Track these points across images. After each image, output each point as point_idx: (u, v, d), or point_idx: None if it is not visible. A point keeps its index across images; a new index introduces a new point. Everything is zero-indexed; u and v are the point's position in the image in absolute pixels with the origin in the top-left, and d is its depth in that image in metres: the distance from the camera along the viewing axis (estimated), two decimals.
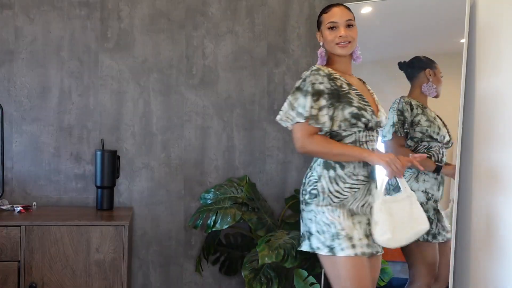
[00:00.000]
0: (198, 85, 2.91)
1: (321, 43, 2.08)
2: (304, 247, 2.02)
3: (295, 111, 1.96)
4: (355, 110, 1.93)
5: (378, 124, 2.01)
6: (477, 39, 2.47)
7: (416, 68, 2.54)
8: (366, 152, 1.93)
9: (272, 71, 2.96)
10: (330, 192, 1.95)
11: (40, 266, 2.36)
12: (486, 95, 2.40)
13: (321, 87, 1.93)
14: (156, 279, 2.90)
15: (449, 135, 2.48)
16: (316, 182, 1.98)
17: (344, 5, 2.06)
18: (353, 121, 1.93)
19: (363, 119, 1.94)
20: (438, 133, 2.46)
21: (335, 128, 1.96)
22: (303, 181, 2.05)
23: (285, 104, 2.00)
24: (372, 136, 2.01)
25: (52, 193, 2.80)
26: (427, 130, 2.46)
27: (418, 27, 2.65)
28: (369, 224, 1.97)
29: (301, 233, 2.07)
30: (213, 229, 2.58)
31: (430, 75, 2.50)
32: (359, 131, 1.97)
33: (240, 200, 2.70)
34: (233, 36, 2.93)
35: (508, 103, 2.23)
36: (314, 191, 1.98)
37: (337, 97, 1.95)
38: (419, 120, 2.48)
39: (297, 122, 1.95)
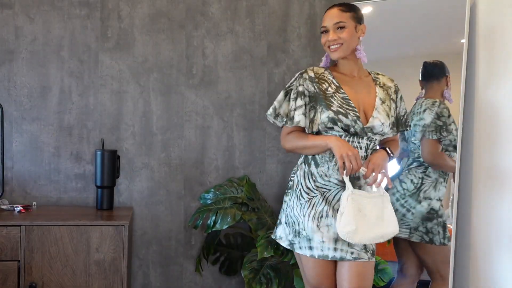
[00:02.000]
0: (198, 85, 2.91)
1: None
2: (273, 234, 2.11)
3: (277, 110, 2.04)
4: (331, 114, 1.94)
5: (367, 130, 1.96)
6: (477, 39, 2.46)
7: (441, 72, 2.52)
8: (330, 139, 1.92)
9: (272, 71, 2.96)
10: (302, 186, 1.98)
11: (40, 266, 2.36)
12: (486, 96, 2.40)
13: (300, 88, 2.00)
14: (156, 279, 2.90)
15: None
16: (293, 174, 2.05)
17: (340, 6, 2.01)
18: (329, 125, 1.95)
19: (340, 124, 1.94)
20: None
21: (315, 129, 1.99)
22: None
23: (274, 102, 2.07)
24: (359, 142, 1.96)
25: (52, 192, 2.80)
26: (455, 139, 2.43)
27: (418, 27, 2.65)
28: None
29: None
30: (213, 229, 2.59)
31: (449, 82, 2.51)
32: (341, 136, 1.95)
33: (240, 200, 2.70)
34: (233, 36, 2.93)
35: (508, 103, 2.23)
36: (290, 182, 2.05)
37: (318, 100, 1.98)
38: (452, 128, 2.44)
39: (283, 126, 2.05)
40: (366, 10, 2.78)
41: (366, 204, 1.89)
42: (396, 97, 2.10)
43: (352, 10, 2.02)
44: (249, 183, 2.80)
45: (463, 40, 2.48)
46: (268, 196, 2.96)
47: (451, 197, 2.47)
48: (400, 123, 2.11)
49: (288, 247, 2.02)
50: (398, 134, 2.16)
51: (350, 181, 1.92)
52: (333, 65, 2.10)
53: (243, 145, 2.95)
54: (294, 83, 2.04)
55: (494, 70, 2.34)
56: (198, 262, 2.83)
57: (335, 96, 1.98)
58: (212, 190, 2.81)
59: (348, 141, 1.95)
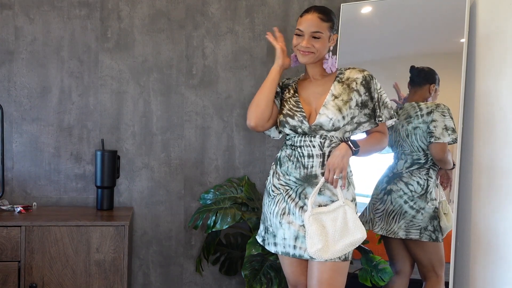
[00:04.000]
0: (198, 85, 2.91)
1: None
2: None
3: None
4: (281, 117, 2.07)
5: (316, 128, 1.99)
6: (477, 39, 2.47)
7: (423, 80, 2.54)
8: (274, 67, 2.07)
9: None
10: (271, 184, 2.08)
11: (40, 266, 2.36)
12: (486, 95, 2.40)
13: (277, 88, 2.15)
14: (156, 279, 2.90)
15: None
16: (269, 175, 2.15)
17: (320, 14, 1.99)
18: (281, 127, 2.08)
19: (288, 125, 2.04)
20: None
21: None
22: None
23: None
24: (311, 141, 2.00)
25: (52, 193, 2.80)
26: None
27: (418, 26, 2.65)
28: (304, 227, 1.97)
29: None
30: (213, 230, 2.59)
31: (432, 91, 2.52)
32: (294, 136, 2.04)
33: (239, 200, 2.70)
34: (233, 36, 2.93)
35: (508, 102, 2.23)
36: (266, 182, 2.14)
37: (280, 104, 2.12)
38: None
39: None
40: (365, 10, 2.78)
41: (326, 220, 1.94)
42: (368, 88, 2.02)
43: (331, 20, 2.02)
44: (249, 183, 2.80)
45: (463, 40, 2.48)
46: None
47: (450, 198, 2.48)
48: (373, 113, 2.04)
49: (262, 243, 2.12)
50: (385, 125, 2.09)
51: (307, 179, 1.99)
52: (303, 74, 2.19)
53: (243, 145, 2.95)
54: None
55: (494, 69, 2.34)
56: (198, 262, 2.83)
57: (290, 100, 2.08)
58: (212, 190, 2.81)
59: (300, 140, 2.02)
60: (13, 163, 2.76)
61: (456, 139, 2.44)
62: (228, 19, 2.92)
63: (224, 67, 2.92)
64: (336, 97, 2.00)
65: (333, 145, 2.00)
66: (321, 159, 1.99)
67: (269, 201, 2.07)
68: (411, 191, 2.45)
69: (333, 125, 1.98)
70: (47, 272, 2.37)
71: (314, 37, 1.99)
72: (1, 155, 2.65)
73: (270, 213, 2.05)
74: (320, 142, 2.00)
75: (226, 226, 2.57)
